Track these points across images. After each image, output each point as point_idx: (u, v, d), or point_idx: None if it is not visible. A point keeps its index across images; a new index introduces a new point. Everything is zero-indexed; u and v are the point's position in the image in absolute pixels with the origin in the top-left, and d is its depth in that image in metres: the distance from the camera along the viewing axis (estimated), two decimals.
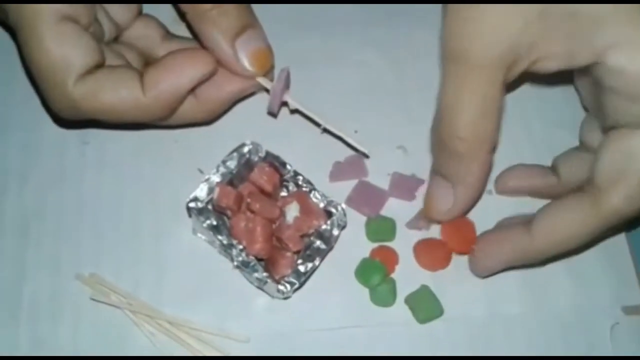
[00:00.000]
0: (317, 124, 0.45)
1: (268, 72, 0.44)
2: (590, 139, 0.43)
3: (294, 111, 0.45)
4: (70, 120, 0.43)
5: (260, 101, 0.48)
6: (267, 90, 0.44)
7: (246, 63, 0.42)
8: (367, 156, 0.46)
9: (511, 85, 0.40)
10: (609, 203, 0.37)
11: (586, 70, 0.37)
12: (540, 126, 0.49)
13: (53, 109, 0.42)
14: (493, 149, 0.39)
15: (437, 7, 0.49)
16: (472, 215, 0.46)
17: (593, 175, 0.38)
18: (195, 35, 0.43)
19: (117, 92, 0.40)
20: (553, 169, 0.46)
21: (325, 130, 0.45)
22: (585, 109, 0.46)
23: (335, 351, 0.42)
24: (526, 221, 0.41)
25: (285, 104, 0.45)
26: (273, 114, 0.47)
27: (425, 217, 0.45)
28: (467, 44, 0.36)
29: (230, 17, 0.41)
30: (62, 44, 0.39)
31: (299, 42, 0.50)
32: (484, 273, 0.44)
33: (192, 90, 0.42)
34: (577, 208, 0.39)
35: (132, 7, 0.45)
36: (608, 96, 0.36)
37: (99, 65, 0.41)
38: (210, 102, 0.43)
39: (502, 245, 0.42)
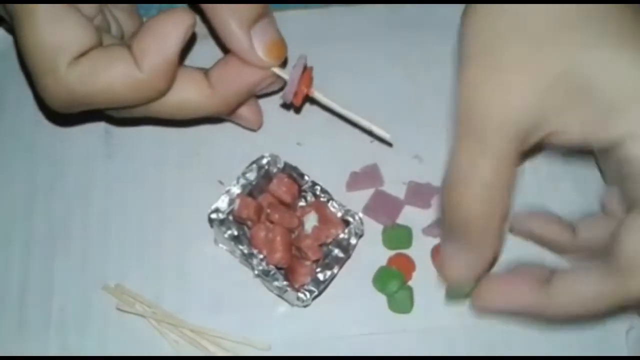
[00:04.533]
0: (341, 116, 0.44)
1: (282, 65, 0.43)
2: (612, 207, 0.40)
3: (322, 106, 0.45)
4: (65, 114, 0.41)
5: (278, 114, 0.49)
6: (281, 89, 0.44)
7: (261, 53, 0.41)
8: (390, 144, 0.45)
9: (529, 153, 0.39)
10: (630, 287, 0.35)
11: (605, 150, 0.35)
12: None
13: (47, 100, 0.39)
14: (506, 218, 0.37)
15: (453, 16, 0.48)
16: None
17: (614, 253, 0.35)
18: (223, 49, 0.42)
19: (111, 69, 0.38)
20: (571, 226, 0.43)
21: (354, 125, 0.44)
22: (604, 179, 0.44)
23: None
24: (541, 277, 0.38)
25: (306, 98, 0.44)
26: (287, 105, 0.45)
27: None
28: (481, 113, 0.34)
29: (246, 6, 0.40)
30: (56, 26, 0.37)
31: (312, 53, 0.50)
32: (487, 311, 0.41)
33: (181, 58, 0.40)
34: (600, 282, 0.36)
35: (136, 18, 0.45)
36: (627, 180, 0.35)
37: (94, 48, 0.39)
38: (225, 92, 0.41)
39: (516, 292, 0.39)
